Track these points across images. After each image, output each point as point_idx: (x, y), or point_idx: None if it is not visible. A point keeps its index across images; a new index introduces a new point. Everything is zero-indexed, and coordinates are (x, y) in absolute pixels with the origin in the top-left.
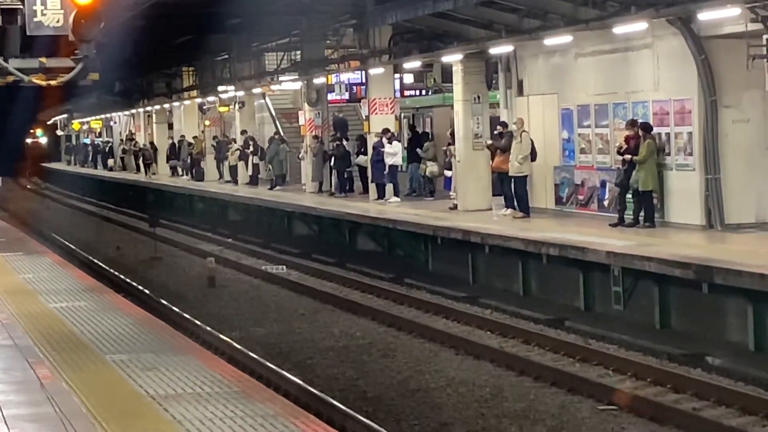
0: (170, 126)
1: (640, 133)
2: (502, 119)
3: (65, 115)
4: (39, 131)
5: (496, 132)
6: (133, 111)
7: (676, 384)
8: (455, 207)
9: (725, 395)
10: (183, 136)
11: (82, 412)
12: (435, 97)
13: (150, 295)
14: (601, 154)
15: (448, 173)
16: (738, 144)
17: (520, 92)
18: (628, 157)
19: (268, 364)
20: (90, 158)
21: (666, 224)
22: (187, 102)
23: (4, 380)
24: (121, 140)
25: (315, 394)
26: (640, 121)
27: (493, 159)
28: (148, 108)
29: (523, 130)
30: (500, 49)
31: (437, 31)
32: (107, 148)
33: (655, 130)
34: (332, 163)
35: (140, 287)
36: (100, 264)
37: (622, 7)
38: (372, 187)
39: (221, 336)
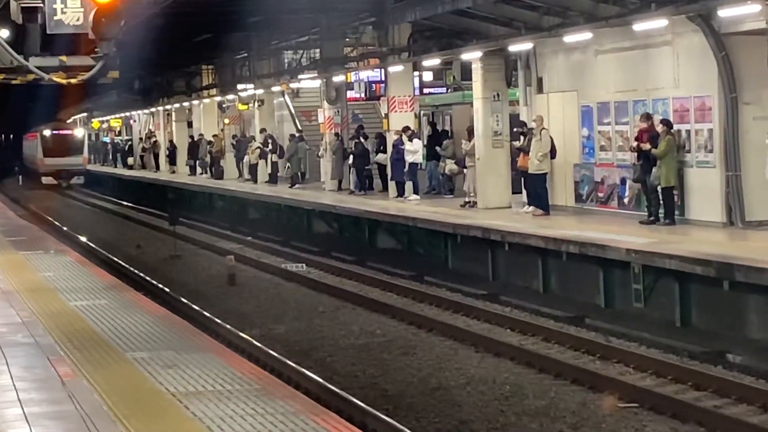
0: (189, 124)
1: (661, 128)
2: (521, 117)
3: (85, 114)
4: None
5: (515, 130)
6: (153, 109)
7: (697, 381)
8: (464, 204)
9: (746, 393)
10: (202, 134)
11: (103, 410)
12: (454, 94)
13: (170, 293)
14: (621, 151)
15: None
16: (758, 141)
17: (540, 90)
18: (644, 146)
19: (289, 361)
20: (110, 157)
21: (686, 221)
22: (206, 100)
23: (25, 378)
24: (141, 139)
25: (335, 391)
26: (661, 117)
27: (513, 157)
28: (168, 106)
29: (543, 128)
30: (520, 47)
31: (456, 29)
32: (127, 147)
33: (676, 127)
34: (351, 161)
35: (160, 285)
36: (121, 262)
37: (642, 4)
38: (391, 184)
39: (241, 334)
